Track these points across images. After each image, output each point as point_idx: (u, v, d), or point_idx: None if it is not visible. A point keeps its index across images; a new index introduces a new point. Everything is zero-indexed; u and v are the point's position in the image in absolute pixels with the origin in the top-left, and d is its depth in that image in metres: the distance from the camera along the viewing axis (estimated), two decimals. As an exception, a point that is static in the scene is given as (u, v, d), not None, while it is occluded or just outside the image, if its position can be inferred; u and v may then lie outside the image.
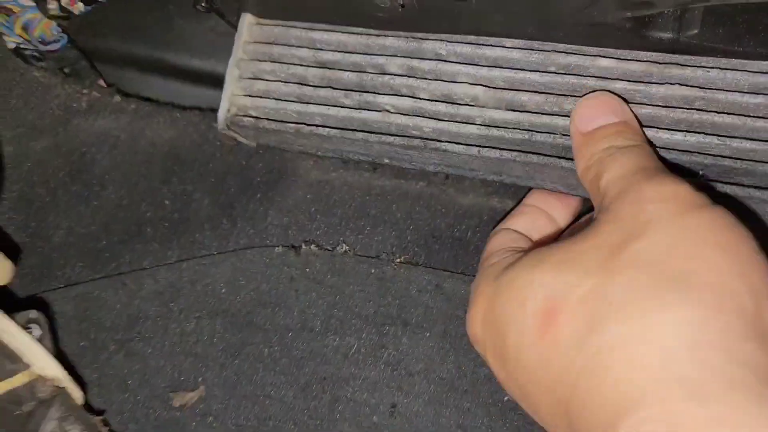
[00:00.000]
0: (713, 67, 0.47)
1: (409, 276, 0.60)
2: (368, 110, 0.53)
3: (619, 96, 0.48)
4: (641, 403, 0.28)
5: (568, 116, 0.48)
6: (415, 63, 0.52)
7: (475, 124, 0.50)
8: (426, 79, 0.52)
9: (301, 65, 0.56)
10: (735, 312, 0.29)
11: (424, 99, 0.52)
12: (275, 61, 0.57)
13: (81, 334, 0.61)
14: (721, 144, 0.46)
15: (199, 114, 0.68)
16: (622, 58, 0.49)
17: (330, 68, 0.55)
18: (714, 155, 0.46)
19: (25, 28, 0.72)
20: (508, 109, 0.50)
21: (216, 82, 0.62)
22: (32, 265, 0.64)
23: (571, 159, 0.47)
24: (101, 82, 0.75)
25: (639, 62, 0.48)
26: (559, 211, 0.52)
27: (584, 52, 0.50)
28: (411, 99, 0.53)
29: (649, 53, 0.49)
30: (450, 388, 0.57)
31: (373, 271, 0.61)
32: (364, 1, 0.51)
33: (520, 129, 0.49)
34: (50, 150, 0.69)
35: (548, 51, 0.50)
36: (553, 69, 0.50)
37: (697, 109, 0.47)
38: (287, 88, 0.56)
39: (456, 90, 0.51)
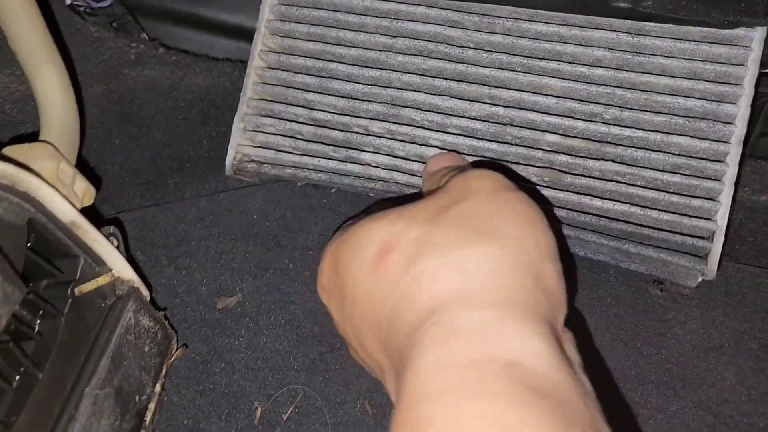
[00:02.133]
0: (642, 147, 0.57)
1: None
2: (353, 163, 0.63)
3: (563, 171, 0.58)
4: (437, 310, 0.35)
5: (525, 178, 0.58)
6: (393, 127, 0.62)
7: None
8: (403, 141, 0.62)
9: (297, 122, 0.65)
10: (524, 257, 0.37)
11: (401, 157, 0.62)
12: (275, 117, 0.66)
13: (138, 251, 0.68)
14: (643, 214, 0.56)
15: (230, 64, 0.77)
16: (567, 134, 0.58)
17: (321, 126, 0.64)
18: (635, 224, 0.56)
19: (78, -15, 0.80)
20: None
21: (243, 35, 0.73)
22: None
23: None
24: (144, 36, 0.86)
25: (580, 139, 0.58)
26: None
27: (535, 126, 0.59)
28: (389, 157, 0.62)
29: (588, 131, 0.58)
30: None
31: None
32: None
33: None
34: (104, 96, 0.78)
35: (505, 124, 0.59)
36: (508, 139, 0.59)
37: (627, 183, 0.57)
38: (285, 141, 0.66)
39: (428, 153, 0.61)
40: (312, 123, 0.65)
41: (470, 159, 0.60)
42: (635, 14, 0.58)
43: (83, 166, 0.73)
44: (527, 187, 0.57)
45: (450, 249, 0.38)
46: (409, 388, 0.33)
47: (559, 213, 0.56)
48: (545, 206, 0.56)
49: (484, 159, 0.59)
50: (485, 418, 0.31)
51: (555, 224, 0.58)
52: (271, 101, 0.67)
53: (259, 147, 0.67)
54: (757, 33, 0.55)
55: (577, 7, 0.59)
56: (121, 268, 0.55)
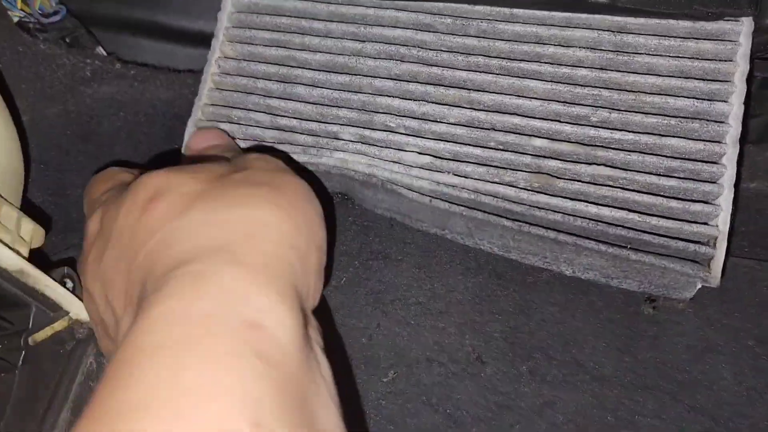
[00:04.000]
0: (634, 150, 0.54)
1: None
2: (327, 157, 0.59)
3: (553, 175, 0.55)
4: (191, 260, 0.34)
5: (509, 185, 0.55)
6: (366, 132, 0.58)
7: (426, 180, 0.56)
8: (377, 146, 0.57)
9: (259, 127, 0.61)
10: (294, 233, 0.38)
11: (377, 158, 0.57)
12: (234, 123, 0.62)
13: None
14: (642, 221, 0.53)
15: (193, 75, 0.73)
16: (555, 138, 0.55)
17: (287, 131, 0.60)
18: (636, 230, 0.53)
19: (26, 0, 0.77)
20: (454, 175, 0.55)
21: (206, 41, 0.67)
22: (55, 221, 0.69)
23: (513, 219, 0.55)
24: (100, 49, 0.81)
25: (568, 143, 0.55)
26: None
27: (520, 130, 0.56)
28: (366, 157, 0.57)
29: (577, 135, 0.55)
30: (425, 310, 0.61)
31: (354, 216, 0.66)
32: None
33: (467, 189, 0.55)
34: (61, 116, 0.74)
35: (488, 129, 0.56)
36: (492, 145, 0.56)
37: (621, 188, 0.54)
38: (246, 144, 0.61)
39: (405, 158, 0.57)
40: (276, 128, 0.61)
41: (452, 165, 0.55)
42: (615, 10, 0.56)
43: (42, 192, 0.70)
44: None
45: (221, 207, 0.38)
46: (130, 340, 0.31)
47: (554, 217, 0.53)
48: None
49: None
50: (191, 378, 0.29)
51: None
52: (230, 107, 0.63)
53: None
54: (744, 26, 0.53)
55: (555, 4, 0.57)
56: (79, 310, 0.51)
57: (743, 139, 0.54)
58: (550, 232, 0.54)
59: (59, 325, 0.51)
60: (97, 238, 0.42)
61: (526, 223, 0.54)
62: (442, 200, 0.57)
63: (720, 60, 0.54)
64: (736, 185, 0.53)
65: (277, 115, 0.60)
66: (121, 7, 0.83)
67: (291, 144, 0.60)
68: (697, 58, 0.54)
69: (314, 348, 0.36)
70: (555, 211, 0.53)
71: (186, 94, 0.72)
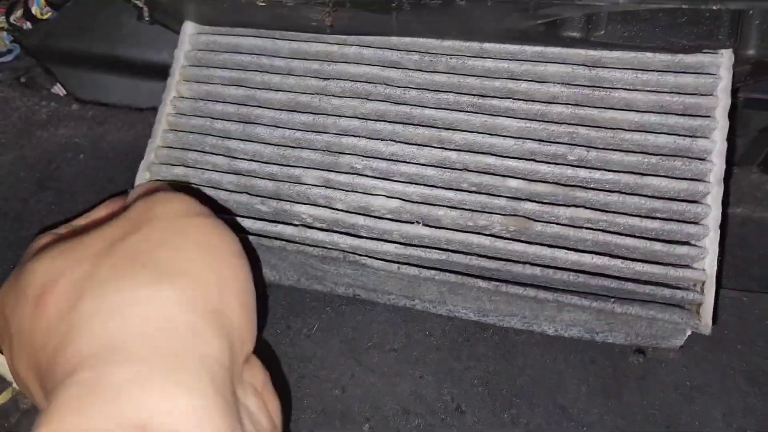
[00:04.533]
0: (614, 191, 0.52)
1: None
2: (284, 223, 0.56)
3: (529, 218, 0.52)
4: (82, 366, 0.32)
5: (482, 233, 0.52)
6: (331, 176, 0.54)
7: (393, 242, 0.52)
8: (343, 190, 0.54)
9: (217, 171, 0.57)
10: (199, 296, 0.35)
11: (341, 210, 0.54)
12: (189, 167, 0.58)
13: None
14: (625, 267, 0.50)
15: (155, 113, 0.67)
16: (531, 179, 0.53)
17: (246, 175, 0.56)
18: (619, 278, 0.50)
19: (-24, 41, 0.74)
20: (424, 225, 0.52)
21: (168, 74, 0.63)
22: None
23: (488, 278, 0.52)
24: (57, 89, 0.79)
25: (545, 183, 0.52)
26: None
27: (494, 171, 0.53)
28: (329, 210, 0.54)
29: (554, 175, 0.53)
30: (401, 358, 0.59)
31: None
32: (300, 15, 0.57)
33: (437, 248, 0.53)
34: (17, 162, 0.72)
35: (460, 170, 0.53)
36: (465, 186, 0.53)
37: (602, 230, 0.51)
38: (203, 190, 0.57)
39: (373, 202, 0.53)
40: (234, 172, 0.57)
41: (423, 210, 0.52)
42: (588, 44, 0.54)
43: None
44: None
45: (110, 292, 0.35)
46: None
47: (533, 271, 0.49)
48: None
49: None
50: None
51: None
52: (185, 149, 0.59)
53: None
54: (724, 59, 0.51)
55: (526, 38, 0.55)
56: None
57: (728, 175, 0.51)
58: (529, 289, 0.51)
59: (2, 398, 0.49)
60: (4, 327, 0.40)
61: (503, 281, 0.51)
62: (412, 265, 0.54)
63: (700, 94, 0.52)
64: (722, 225, 0.50)
65: (236, 158, 0.57)
66: (79, 41, 0.79)
67: (249, 194, 0.57)
68: (677, 93, 0.52)
69: (241, 414, 0.34)
70: (533, 264, 0.50)
71: (148, 134, 0.68)
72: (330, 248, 0.55)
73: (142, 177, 0.59)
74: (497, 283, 0.51)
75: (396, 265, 0.53)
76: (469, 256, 0.52)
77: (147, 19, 0.63)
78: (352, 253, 0.54)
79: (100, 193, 0.70)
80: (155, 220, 0.38)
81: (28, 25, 0.78)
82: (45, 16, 0.78)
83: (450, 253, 0.53)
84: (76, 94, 0.79)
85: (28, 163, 0.72)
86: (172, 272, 0.35)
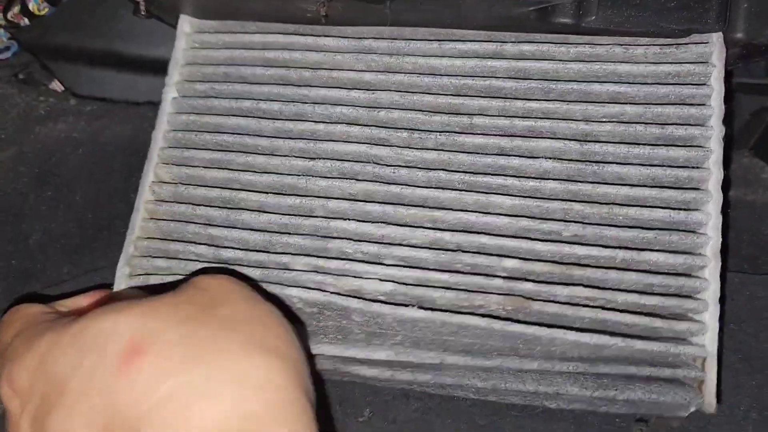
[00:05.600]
0: (611, 267, 0.52)
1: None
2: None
3: (527, 297, 0.52)
4: None
5: (480, 314, 0.52)
6: (321, 262, 0.54)
7: (385, 349, 0.51)
8: (333, 275, 0.54)
9: (201, 261, 0.57)
10: (299, 377, 0.38)
11: (333, 293, 0.54)
12: (172, 258, 0.58)
13: None
14: (624, 345, 0.50)
15: (153, 108, 0.70)
16: (525, 258, 0.53)
17: (231, 265, 0.55)
18: (618, 362, 0.51)
19: (-26, 38, 0.77)
20: (420, 307, 0.51)
21: (166, 69, 0.65)
22: (16, 268, 0.70)
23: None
24: (55, 84, 0.81)
25: (541, 262, 0.53)
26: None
27: (488, 251, 0.54)
28: (320, 293, 0.54)
29: (550, 253, 0.53)
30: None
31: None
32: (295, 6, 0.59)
33: (433, 346, 0.51)
34: (16, 158, 0.75)
35: (454, 251, 0.54)
36: (460, 267, 0.54)
37: (601, 308, 0.52)
38: None
39: (366, 286, 0.53)
40: (219, 262, 0.57)
41: (418, 292, 0.52)
42: (580, 30, 0.56)
43: (1, 239, 0.71)
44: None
45: (220, 361, 0.35)
46: None
47: (531, 366, 0.49)
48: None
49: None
50: None
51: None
52: (167, 240, 0.59)
53: None
54: (715, 132, 0.51)
55: (514, 26, 0.58)
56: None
57: (725, 249, 0.52)
58: (529, 383, 0.52)
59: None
60: (34, 390, 0.37)
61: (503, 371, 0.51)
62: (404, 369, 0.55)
63: (691, 167, 0.53)
64: (722, 300, 0.51)
65: (220, 246, 0.57)
66: (77, 37, 0.82)
67: (238, 277, 0.55)
68: (669, 166, 0.53)
69: None
70: (532, 356, 0.51)
71: (146, 128, 0.69)
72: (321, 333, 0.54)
73: (122, 273, 0.58)
74: (494, 382, 0.51)
75: (389, 372, 0.53)
76: (465, 356, 0.52)
77: (143, 13, 0.65)
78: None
79: (99, 186, 0.74)
80: (234, 296, 0.42)
81: (25, 21, 0.80)
82: (42, 12, 0.80)
83: (446, 353, 0.53)
84: (74, 89, 0.82)
85: (27, 158, 0.75)
86: (273, 349, 0.38)
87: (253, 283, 0.53)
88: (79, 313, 0.50)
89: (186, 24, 0.65)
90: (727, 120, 0.54)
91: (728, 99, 0.55)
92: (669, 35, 0.55)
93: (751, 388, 0.58)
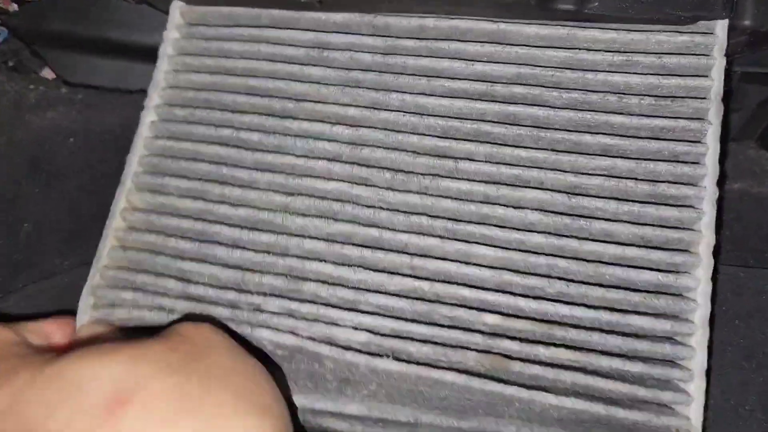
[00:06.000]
0: (595, 329, 0.51)
1: None
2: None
3: (506, 356, 0.50)
4: None
5: (458, 370, 0.51)
6: (294, 305, 0.52)
7: (357, 403, 0.49)
8: (306, 320, 0.52)
9: (168, 296, 0.55)
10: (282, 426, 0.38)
11: (306, 338, 0.52)
12: (138, 290, 0.56)
13: None
14: (606, 414, 0.49)
15: (145, 96, 0.67)
16: (507, 314, 0.52)
17: (201, 302, 0.54)
18: (600, 429, 0.49)
19: (-36, 26, 0.78)
20: (394, 358, 0.49)
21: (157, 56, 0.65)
22: (8, 258, 0.70)
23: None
24: (46, 72, 0.82)
25: (523, 319, 0.51)
26: (54, 333, 0.53)
27: (469, 304, 0.52)
28: (292, 336, 0.51)
29: (532, 310, 0.51)
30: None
31: None
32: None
33: (407, 400, 0.50)
34: (8, 146, 0.75)
35: (433, 302, 0.52)
36: (438, 320, 0.53)
37: (583, 372, 0.50)
38: (153, 316, 0.55)
39: (339, 335, 0.52)
40: (188, 298, 0.55)
41: (393, 343, 0.51)
42: (581, 16, 0.55)
43: None
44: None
45: (209, 417, 0.35)
46: None
47: (509, 428, 0.47)
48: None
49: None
50: None
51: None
52: (134, 271, 0.57)
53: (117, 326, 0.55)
54: (708, 193, 0.49)
55: (513, 12, 0.56)
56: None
57: (713, 313, 0.51)
58: None
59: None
60: None
61: None
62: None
63: (683, 228, 0.52)
64: (708, 371, 0.50)
65: (190, 282, 0.55)
66: (69, 23, 0.82)
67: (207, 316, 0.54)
68: (659, 225, 0.51)
69: None
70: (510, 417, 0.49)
71: (138, 117, 0.68)
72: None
73: (86, 302, 0.56)
74: None
75: (360, 427, 0.51)
76: (440, 416, 0.51)
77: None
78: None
79: (92, 175, 0.75)
80: (220, 348, 0.42)
81: (14, 6, 0.80)
82: (32, -2, 0.82)
83: (421, 408, 0.51)
84: (65, 77, 0.82)
85: (19, 146, 0.75)
86: (265, 408, 0.38)
87: (223, 324, 0.52)
88: (51, 349, 0.48)
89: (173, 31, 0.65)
90: (727, 113, 0.53)
91: (728, 91, 0.54)
92: (674, 22, 0.54)
93: (757, 386, 0.57)
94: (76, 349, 0.38)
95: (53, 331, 0.51)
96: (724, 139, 0.54)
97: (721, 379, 0.56)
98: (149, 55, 0.73)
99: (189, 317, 0.51)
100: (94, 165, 0.75)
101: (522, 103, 0.55)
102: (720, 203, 0.51)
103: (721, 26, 0.54)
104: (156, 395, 0.35)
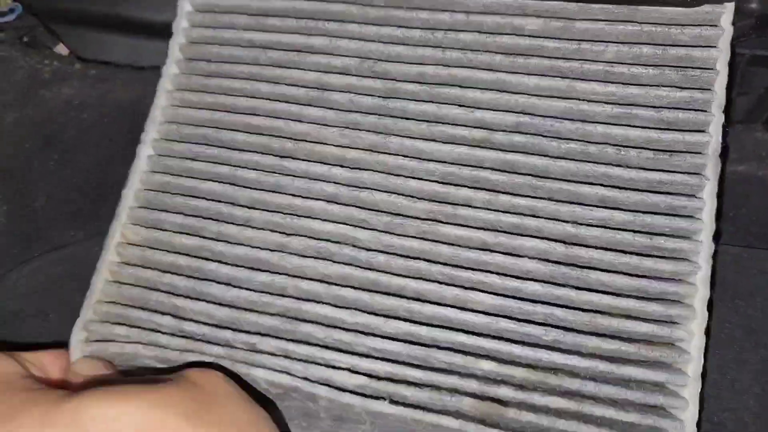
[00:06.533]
0: (588, 378, 0.52)
1: None
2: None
3: (502, 402, 0.51)
4: None
5: (454, 415, 0.51)
6: (290, 346, 0.53)
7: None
8: (302, 361, 0.52)
9: (162, 332, 0.56)
10: None
11: (302, 378, 0.51)
12: (132, 326, 0.57)
13: (74, 293, 0.62)
14: None
15: (157, 72, 0.68)
16: (503, 360, 0.53)
17: (196, 340, 0.53)
18: None
19: (-22, 1, 0.80)
20: (391, 401, 0.49)
21: (170, 34, 0.66)
22: (21, 231, 0.73)
23: None
24: (60, 48, 0.84)
25: (519, 367, 0.52)
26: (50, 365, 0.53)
27: (466, 349, 0.53)
28: (287, 376, 0.51)
29: (528, 358, 0.52)
30: None
31: None
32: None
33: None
34: (21, 122, 0.79)
35: (429, 346, 0.53)
36: (434, 364, 0.53)
37: (576, 420, 0.51)
38: (147, 351, 0.55)
39: (335, 378, 0.52)
40: (182, 335, 0.55)
41: (389, 387, 0.52)
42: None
43: (5, 202, 0.75)
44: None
45: None
46: None
47: None
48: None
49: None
50: None
51: None
52: (128, 306, 0.57)
53: (110, 361, 0.56)
54: (704, 248, 0.51)
55: None
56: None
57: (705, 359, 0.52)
58: None
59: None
60: None
61: None
62: None
63: (677, 281, 0.53)
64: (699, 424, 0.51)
65: (185, 319, 0.56)
66: (82, 0, 0.83)
67: (201, 353, 0.54)
68: (656, 278, 0.52)
69: None
70: None
71: (150, 93, 0.68)
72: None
73: (78, 336, 0.56)
74: None
75: None
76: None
77: None
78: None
79: (103, 150, 0.78)
80: (230, 397, 0.43)
81: None
82: (46, -26, 0.85)
83: None
84: (78, 53, 0.84)
85: (32, 122, 0.79)
86: None
87: (218, 363, 0.52)
88: (50, 382, 0.48)
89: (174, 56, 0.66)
90: (730, 96, 0.57)
91: (732, 74, 0.56)
92: (679, 4, 0.55)
93: (755, 363, 0.59)
94: (89, 389, 0.39)
95: (50, 363, 0.51)
96: (728, 123, 0.56)
97: (718, 355, 0.58)
98: (161, 31, 0.75)
99: (193, 363, 0.52)
100: (106, 141, 0.78)
101: (521, 152, 0.57)
102: (725, 185, 0.54)
103: (720, 83, 0.56)
104: None
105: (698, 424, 0.50)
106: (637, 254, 0.54)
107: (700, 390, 0.51)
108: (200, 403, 0.40)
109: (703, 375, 0.51)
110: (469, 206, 0.56)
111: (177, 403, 0.39)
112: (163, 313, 0.56)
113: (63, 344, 0.55)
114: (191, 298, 0.56)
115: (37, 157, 0.77)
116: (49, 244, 0.73)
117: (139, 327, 0.56)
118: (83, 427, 0.36)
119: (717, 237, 0.53)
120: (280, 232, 0.57)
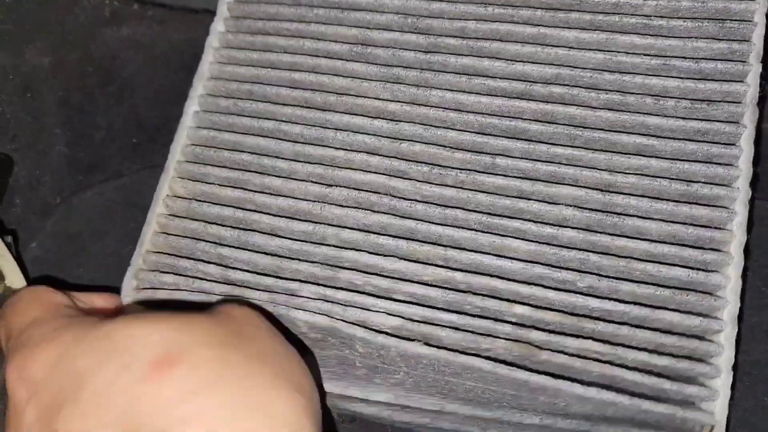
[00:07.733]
0: (623, 323, 0.54)
1: None
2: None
3: (535, 345, 0.53)
4: None
5: (486, 357, 0.54)
6: (329, 292, 0.57)
7: (384, 391, 0.52)
8: (341, 305, 0.56)
9: (208, 280, 0.60)
10: (317, 414, 0.41)
11: (340, 320, 0.55)
12: (179, 274, 0.61)
13: (129, 218, 0.77)
14: (632, 405, 0.52)
15: (209, 15, 0.74)
16: (537, 305, 0.55)
17: (239, 286, 0.58)
18: (623, 422, 0.53)
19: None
20: (425, 343, 0.52)
21: None
22: (82, 161, 0.82)
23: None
24: None
25: (552, 311, 0.55)
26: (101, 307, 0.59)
27: (500, 295, 0.56)
28: (326, 318, 0.55)
29: (562, 303, 0.55)
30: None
31: None
32: None
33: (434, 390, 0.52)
34: (83, 60, 0.86)
35: (464, 292, 0.56)
36: (469, 309, 0.56)
37: (609, 363, 0.53)
38: (193, 297, 0.59)
39: (373, 319, 0.55)
40: (227, 282, 0.59)
41: (424, 329, 0.54)
42: None
43: (67, 133, 0.83)
44: None
45: (250, 388, 0.38)
46: None
47: (532, 420, 0.50)
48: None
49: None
50: None
51: None
52: (175, 256, 0.62)
53: (158, 307, 0.60)
54: (741, 194, 0.52)
55: None
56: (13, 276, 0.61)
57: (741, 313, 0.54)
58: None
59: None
60: (47, 386, 0.39)
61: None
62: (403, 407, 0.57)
63: (715, 227, 0.55)
64: (735, 367, 0.53)
65: (229, 267, 0.60)
66: None
67: (244, 299, 0.57)
68: (691, 224, 0.54)
69: None
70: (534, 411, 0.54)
71: (203, 35, 0.74)
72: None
73: (129, 284, 0.61)
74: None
75: (387, 411, 0.54)
76: (464, 405, 0.54)
77: None
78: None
79: (158, 88, 0.86)
80: (262, 329, 0.45)
81: None
82: None
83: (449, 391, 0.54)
84: None
85: (93, 58, 0.86)
86: (299, 387, 0.41)
87: (260, 305, 0.56)
88: (98, 312, 0.52)
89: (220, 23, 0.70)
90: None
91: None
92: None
93: None
94: (123, 315, 0.42)
95: (100, 303, 0.55)
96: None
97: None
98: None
99: (230, 300, 0.55)
100: (160, 79, 0.86)
101: (560, 103, 0.59)
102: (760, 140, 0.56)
103: (758, 35, 0.57)
104: (201, 362, 0.38)
105: (734, 367, 0.52)
106: (674, 201, 0.56)
107: (736, 335, 0.53)
108: (231, 331, 0.43)
109: (740, 318, 0.52)
110: (507, 156, 0.59)
111: (207, 329, 0.41)
112: (208, 262, 0.60)
113: (115, 289, 0.60)
114: (236, 248, 0.60)
115: (97, 92, 0.85)
116: (108, 173, 0.82)
117: (186, 275, 0.60)
118: (114, 343, 0.39)
119: (754, 183, 0.55)
120: (321, 184, 0.61)
